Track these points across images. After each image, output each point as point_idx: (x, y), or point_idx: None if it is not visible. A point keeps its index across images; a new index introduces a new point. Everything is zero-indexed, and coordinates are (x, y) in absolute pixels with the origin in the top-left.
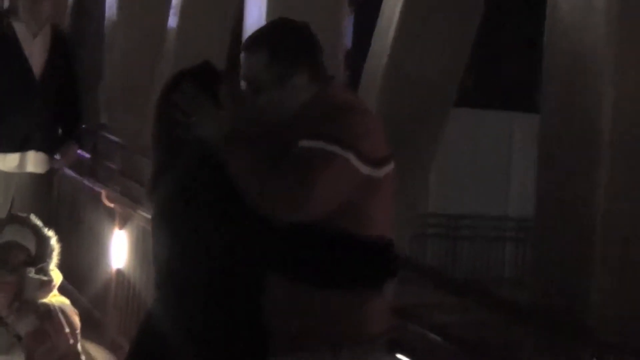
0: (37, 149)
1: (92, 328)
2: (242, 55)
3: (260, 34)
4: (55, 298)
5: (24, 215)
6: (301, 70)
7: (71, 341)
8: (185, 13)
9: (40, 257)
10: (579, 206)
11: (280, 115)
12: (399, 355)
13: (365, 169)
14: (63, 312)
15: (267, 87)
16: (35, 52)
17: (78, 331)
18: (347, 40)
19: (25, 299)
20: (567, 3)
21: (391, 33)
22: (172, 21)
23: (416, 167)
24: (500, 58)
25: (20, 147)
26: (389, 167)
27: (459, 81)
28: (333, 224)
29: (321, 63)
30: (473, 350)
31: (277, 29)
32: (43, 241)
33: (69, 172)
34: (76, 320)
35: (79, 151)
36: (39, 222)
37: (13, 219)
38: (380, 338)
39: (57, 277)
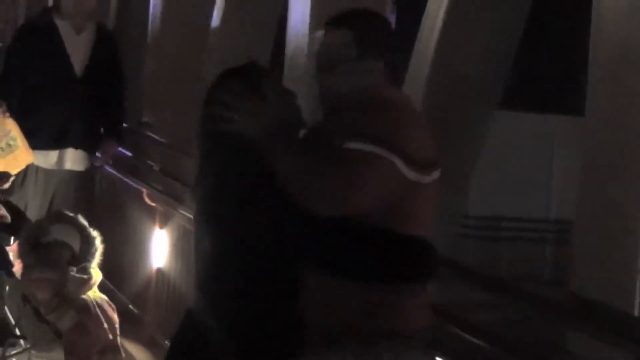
0: (76, 146)
1: (131, 326)
2: (321, 32)
3: (345, 14)
4: (93, 294)
5: (71, 214)
6: (377, 57)
7: (110, 336)
8: (229, 12)
9: (83, 257)
10: (621, 208)
11: (337, 95)
12: (437, 357)
13: (411, 175)
14: (101, 307)
15: (343, 65)
16: (78, 49)
17: (117, 326)
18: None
19: (65, 297)
20: (613, 2)
21: (436, 32)
22: (216, 20)
23: (459, 169)
24: (543, 59)
25: (58, 144)
26: (436, 173)
27: (503, 83)
28: (375, 221)
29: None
30: (510, 350)
31: (362, 12)
32: (88, 241)
33: (111, 170)
34: (114, 316)
35: (120, 149)
36: (85, 222)
37: (60, 217)
38: (417, 336)
39: (97, 275)
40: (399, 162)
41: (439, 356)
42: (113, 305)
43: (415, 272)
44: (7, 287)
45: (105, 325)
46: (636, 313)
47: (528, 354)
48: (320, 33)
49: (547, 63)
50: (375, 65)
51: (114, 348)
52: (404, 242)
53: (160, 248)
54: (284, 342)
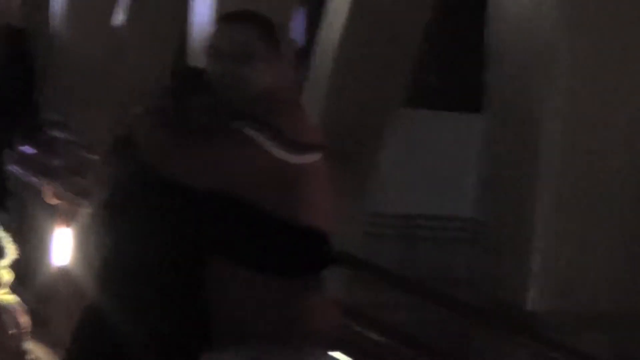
0: None
1: (39, 326)
2: (224, 25)
3: (246, 10)
4: (4, 296)
5: None
6: (277, 55)
7: (17, 341)
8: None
9: None
10: (518, 205)
11: (244, 93)
12: (339, 355)
13: (279, 153)
14: (9, 311)
15: (253, 63)
16: None
17: (26, 330)
18: (300, 37)
19: None
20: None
21: (338, 31)
22: (119, 20)
23: (361, 165)
24: (456, 60)
25: None
26: (313, 157)
27: (407, 82)
28: (265, 206)
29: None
30: (418, 349)
31: (257, 12)
32: None
33: (15, 168)
34: (24, 319)
35: (24, 147)
36: None
37: None
38: (319, 334)
39: (8, 275)
40: (263, 140)
41: (347, 355)
42: (24, 308)
43: (308, 263)
44: None
45: (14, 330)
46: (529, 308)
47: (439, 353)
48: (223, 27)
49: (463, 63)
50: (279, 65)
51: (21, 353)
52: (295, 232)
53: (63, 246)
54: (189, 338)
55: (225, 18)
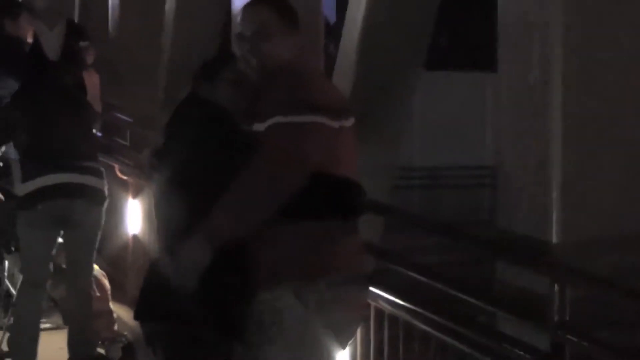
0: None
1: (116, 289)
2: (246, 9)
3: None
4: None
5: None
6: (294, 31)
7: (103, 302)
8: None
9: None
10: (533, 154)
11: (264, 68)
12: (377, 290)
13: (334, 124)
14: (94, 277)
15: (267, 39)
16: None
17: (109, 293)
18: (332, 14)
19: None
20: None
21: (363, 6)
22: (171, 4)
23: (390, 125)
24: (467, 24)
25: None
26: (349, 121)
27: (427, 46)
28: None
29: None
30: (448, 285)
31: None
32: None
33: None
34: (106, 283)
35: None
36: None
37: None
38: (355, 272)
39: None
40: (326, 120)
41: (384, 291)
42: (104, 273)
43: (343, 209)
44: (7, 263)
45: (98, 294)
46: (549, 239)
47: (468, 287)
48: (246, 10)
49: (476, 25)
50: (293, 39)
51: (108, 313)
52: (331, 181)
53: (134, 217)
54: (234, 286)
55: (247, 3)
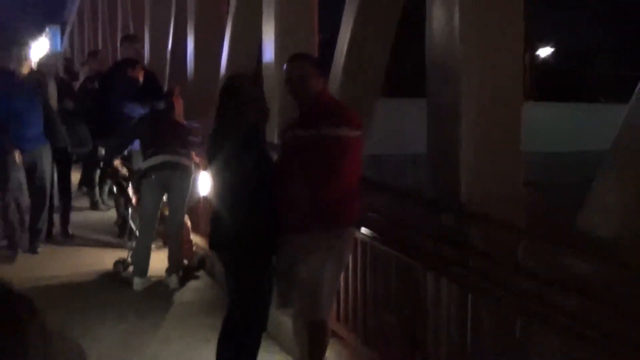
0: None
1: (194, 227)
2: (290, 62)
3: (301, 53)
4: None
5: None
6: (319, 74)
7: (187, 234)
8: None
9: None
10: (449, 143)
11: (307, 98)
12: (363, 229)
13: (356, 134)
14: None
15: (308, 81)
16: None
17: (190, 229)
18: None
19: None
20: (436, 22)
21: (345, 47)
22: (224, 57)
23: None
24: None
25: None
26: (360, 131)
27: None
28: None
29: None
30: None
31: (307, 53)
32: None
33: None
34: (188, 223)
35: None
36: None
37: None
38: (354, 220)
39: None
40: (357, 134)
41: (368, 229)
42: (187, 217)
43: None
44: (130, 211)
45: (184, 229)
46: (463, 200)
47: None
48: (290, 63)
49: (414, 60)
50: (322, 79)
51: (189, 241)
52: (349, 169)
53: (204, 184)
54: (268, 234)
55: (290, 58)
